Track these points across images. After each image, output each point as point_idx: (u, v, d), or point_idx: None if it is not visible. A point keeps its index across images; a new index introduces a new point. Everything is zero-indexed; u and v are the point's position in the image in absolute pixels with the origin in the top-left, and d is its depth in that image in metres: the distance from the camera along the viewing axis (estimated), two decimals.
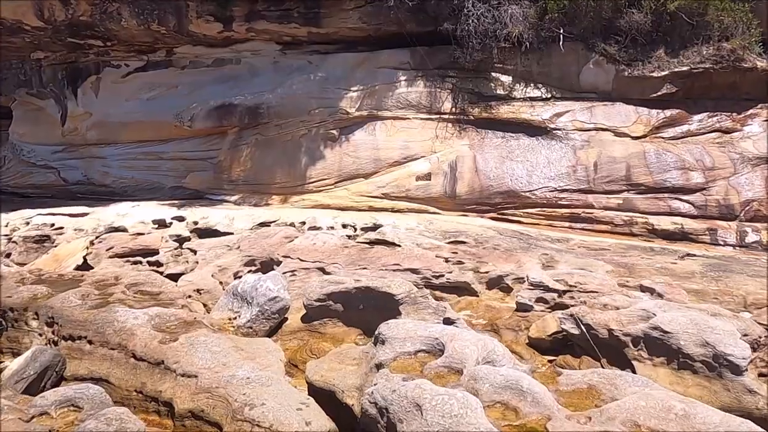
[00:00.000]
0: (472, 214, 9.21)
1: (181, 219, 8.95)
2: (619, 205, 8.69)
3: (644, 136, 9.08)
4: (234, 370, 3.45)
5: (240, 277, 6.88)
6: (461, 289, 5.75)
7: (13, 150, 13.91)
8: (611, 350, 4.03)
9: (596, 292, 5.01)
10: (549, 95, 9.83)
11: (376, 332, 3.58)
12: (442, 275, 5.78)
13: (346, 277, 5.51)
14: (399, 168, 9.82)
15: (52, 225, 8.69)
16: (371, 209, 9.50)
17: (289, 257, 6.56)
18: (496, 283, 5.92)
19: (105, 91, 12.09)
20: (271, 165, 10.31)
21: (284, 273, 6.22)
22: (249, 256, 7.08)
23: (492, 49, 9.84)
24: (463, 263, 6.27)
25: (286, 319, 5.14)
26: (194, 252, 7.35)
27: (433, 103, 10.15)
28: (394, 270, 5.93)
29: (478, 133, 9.78)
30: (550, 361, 4.48)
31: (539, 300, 5.12)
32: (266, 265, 6.94)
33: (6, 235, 8.83)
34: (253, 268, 7.02)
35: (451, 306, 5.51)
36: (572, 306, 4.93)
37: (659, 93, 9.25)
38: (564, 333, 4.41)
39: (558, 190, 8.94)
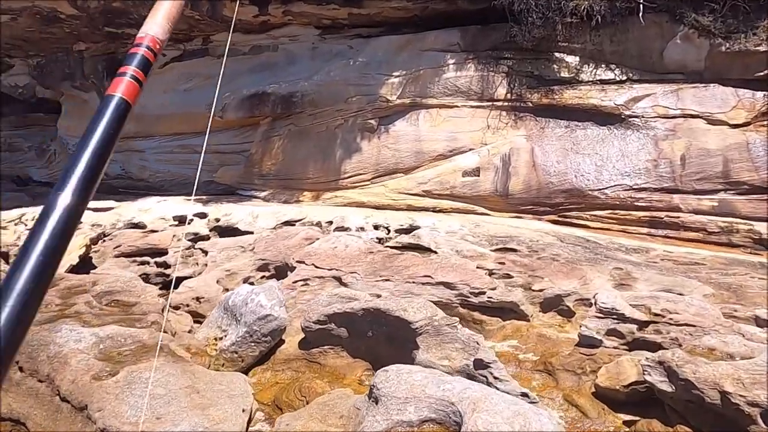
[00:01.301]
0: (528, 215, 7.87)
1: (203, 216, 8.24)
2: (714, 208, 7.06)
3: (747, 124, 7.37)
4: (169, 426, 2.48)
5: (251, 283, 6.04)
6: (507, 310, 4.53)
7: (61, 144, 13.98)
8: (725, 423, 2.71)
9: (694, 326, 3.64)
10: (624, 77, 8.30)
11: (372, 383, 2.49)
12: (483, 292, 4.58)
13: (361, 292, 4.45)
14: (443, 162, 8.63)
15: None
16: (410, 208, 8.38)
17: (303, 263, 5.58)
18: (553, 304, 4.65)
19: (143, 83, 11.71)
20: (303, 158, 9.43)
21: (295, 282, 5.25)
22: (263, 259, 6.18)
23: (555, 25, 8.46)
24: (511, 277, 5.03)
25: (283, 341, 4.15)
26: (205, 253, 6.56)
27: (485, 89, 8.88)
28: (423, 283, 4.80)
29: (537, 122, 8.42)
30: (626, 423, 3.21)
31: (611, 333, 3.82)
32: (281, 271, 6.01)
33: (29, 229, 8.49)
34: (267, 274, 6.12)
35: (493, 333, 4.33)
36: (659, 343, 3.62)
37: (766, 71, 7.51)
38: (648, 386, 3.12)
39: (634, 188, 7.43)
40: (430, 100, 9.10)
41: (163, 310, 4.22)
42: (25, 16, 10.09)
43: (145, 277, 6.40)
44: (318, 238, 6.41)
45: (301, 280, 5.28)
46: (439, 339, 3.34)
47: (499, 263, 5.32)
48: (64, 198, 0.62)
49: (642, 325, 3.80)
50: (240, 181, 10.14)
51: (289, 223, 7.66)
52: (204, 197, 9.67)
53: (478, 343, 3.17)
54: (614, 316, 3.85)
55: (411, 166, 8.77)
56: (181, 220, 8.09)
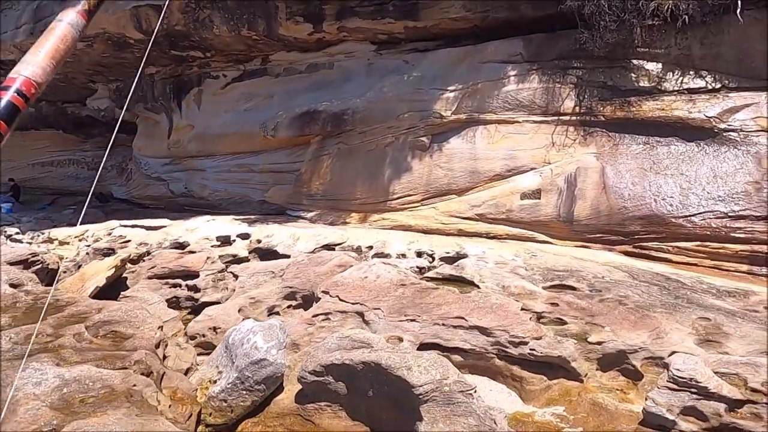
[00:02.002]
0: (595, 245, 6.83)
1: (245, 237, 8.02)
2: None
3: None
4: None
5: (276, 312, 5.61)
6: (555, 367, 3.69)
7: (136, 163, 14.70)
8: None
9: None
10: (718, 85, 7.07)
11: None
12: (526, 342, 3.77)
13: (377, 335, 3.82)
14: (500, 183, 7.82)
15: (122, 237, 8.34)
16: (460, 233, 7.63)
17: (328, 294, 5.06)
18: (615, 362, 3.74)
19: (206, 104, 12.00)
20: (351, 178, 9.00)
21: (315, 316, 4.73)
22: (290, 287, 5.74)
23: (633, 29, 7.45)
24: (563, 323, 4.16)
25: (283, 388, 3.61)
26: (236, 277, 6.24)
27: (549, 102, 7.99)
28: (454, 326, 4.08)
29: (610, 138, 7.39)
30: None
31: (688, 412, 2.89)
32: (308, 300, 5.53)
33: (88, 245, 8.74)
34: (293, 303, 5.67)
35: (535, 395, 3.52)
36: None
37: None
38: None
39: (730, 216, 6.19)
40: (488, 115, 8.35)
41: (158, 346, 3.85)
42: (99, 42, 10.66)
43: (175, 301, 6.21)
44: (351, 266, 5.87)
45: (322, 314, 4.75)
46: (449, 410, 2.63)
47: (551, 304, 4.46)
48: None
49: (733, 404, 2.84)
50: (289, 201, 9.91)
51: (328, 247, 7.20)
52: (252, 217, 9.53)
53: (495, 423, 2.42)
54: (694, 389, 2.92)
55: (464, 187, 8.04)
56: (224, 241, 7.92)
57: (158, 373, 3.45)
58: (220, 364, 3.78)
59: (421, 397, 2.66)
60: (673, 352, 3.56)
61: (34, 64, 0.71)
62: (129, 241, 8.07)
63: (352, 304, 4.76)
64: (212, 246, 7.66)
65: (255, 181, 11.26)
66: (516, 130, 8.12)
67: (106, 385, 3.02)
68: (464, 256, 6.27)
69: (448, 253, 6.51)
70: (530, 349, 3.72)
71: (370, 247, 6.89)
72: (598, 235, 6.86)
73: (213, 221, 9.25)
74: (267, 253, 7.39)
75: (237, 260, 7.19)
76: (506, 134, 8.16)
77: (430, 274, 5.78)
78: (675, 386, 2.95)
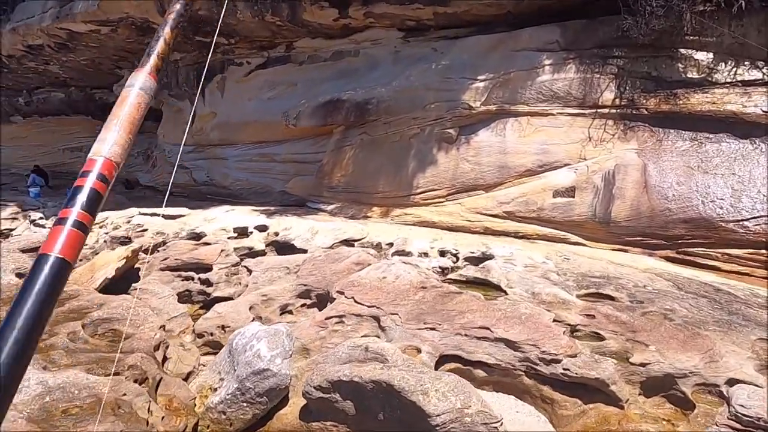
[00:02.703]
0: (634, 249, 6.32)
1: (263, 228, 7.77)
2: None
3: None
4: None
5: (290, 311, 5.33)
6: (591, 389, 3.28)
7: (160, 150, 14.66)
8: None
9: None
10: None
11: None
12: (559, 360, 3.37)
13: (392, 345, 3.47)
14: (531, 179, 7.34)
15: (140, 226, 8.20)
16: (486, 232, 7.20)
17: (343, 294, 4.73)
18: (661, 387, 3.30)
19: (229, 91, 11.79)
20: (374, 170, 8.65)
21: (328, 318, 4.41)
22: (305, 285, 5.43)
23: (682, 15, 6.86)
24: (601, 338, 3.74)
25: (287, 400, 3.30)
26: (249, 272, 5.97)
27: (587, 94, 7.46)
28: (478, 338, 3.70)
29: (653, 133, 6.83)
30: None
31: None
32: (323, 300, 5.23)
33: (106, 233, 8.64)
34: (308, 302, 5.37)
35: (569, 420, 3.13)
36: None
37: None
38: None
39: None
40: (520, 107, 7.86)
41: (158, 347, 3.59)
42: (122, 27, 10.52)
43: (187, 294, 5.99)
44: (370, 264, 5.53)
45: (335, 317, 4.43)
46: None
47: (587, 316, 4.03)
48: None
49: None
50: (310, 192, 9.62)
51: (347, 242, 6.88)
52: (271, 208, 9.28)
53: None
54: (761, 431, 2.48)
55: (492, 182, 7.59)
56: (240, 232, 7.69)
57: (154, 380, 3.18)
58: (222, 370, 3.49)
59: (437, 428, 2.31)
60: (731, 380, 3.11)
61: (112, 143, 0.72)
62: (146, 230, 7.91)
63: (368, 307, 4.43)
64: (228, 237, 7.43)
65: (276, 171, 11.01)
66: (550, 123, 7.61)
67: (91, 394, 2.76)
68: (490, 257, 5.86)
69: (473, 253, 6.10)
70: (563, 369, 3.32)
71: (391, 244, 6.53)
72: (637, 239, 6.34)
73: (232, 211, 9.04)
74: (284, 247, 7.12)
75: (253, 253, 6.94)
76: (539, 127, 7.67)
77: (453, 275, 5.39)
78: (739, 426, 2.51)
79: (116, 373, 3.04)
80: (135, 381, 3.03)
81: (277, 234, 7.48)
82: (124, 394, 2.82)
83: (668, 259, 6.04)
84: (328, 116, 9.38)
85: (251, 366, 3.15)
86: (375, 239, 6.80)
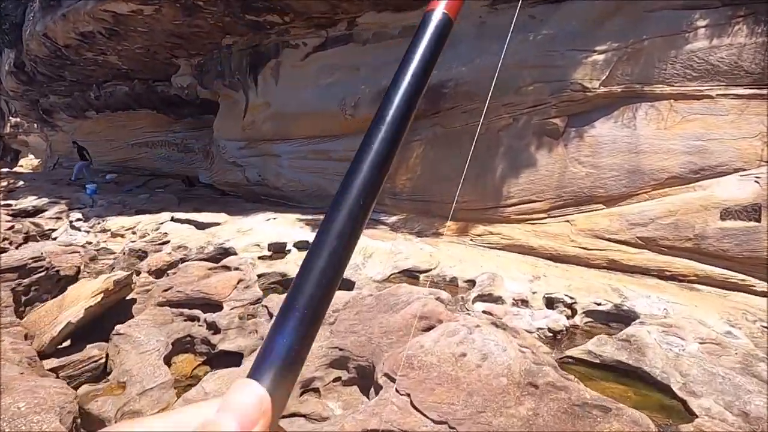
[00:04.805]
0: None
1: (305, 247, 6.09)
2: None
3: None
4: None
5: (315, 389, 3.54)
6: None
7: (216, 146, 13.56)
8: None
9: None
10: None
11: None
12: None
13: None
14: (680, 190, 5.05)
15: (164, 236, 6.82)
16: (612, 267, 5.00)
17: (394, 381, 2.86)
18: None
19: (284, 78, 10.28)
20: (449, 173, 6.67)
21: None
22: (341, 348, 3.62)
23: None
24: None
25: None
26: (271, 316, 4.26)
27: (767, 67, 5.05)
28: None
29: None
30: None
31: None
32: (364, 376, 3.39)
33: (132, 241, 7.38)
34: (343, 377, 3.54)
35: None
36: None
37: None
38: None
39: None
40: (657, 87, 5.57)
41: None
42: (167, 6, 9.29)
43: (189, 342, 4.39)
44: (440, 320, 3.62)
45: None
46: None
47: None
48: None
49: None
50: None
51: (410, 273, 5.00)
52: (320, 218, 7.60)
53: None
54: None
55: (618, 193, 5.37)
56: (276, 250, 6.06)
57: None
58: None
59: None
60: None
61: None
62: (167, 242, 6.50)
63: (434, 422, 2.51)
64: (260, 257, 5.82)
65: (333, 171, 9.35)
66: (706, 108, 5.26)
67: None
68: (630, 314, 3.73)
69: (598, 304, 3.99)
70: None
71: (472, 283, 4.56)
72: None
73: (274, 220, 7.46)
74: None
75: (286, 281, 5.26)
76: (688, 115, 5.34)
77: (575, 351, 3.33)
78: None
79: None
80: None
81: None
82: None
83: None
84: None
85: None
86: (449, 271, 4.86)
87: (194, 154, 17.00)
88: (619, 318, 3.80)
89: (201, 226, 7.45)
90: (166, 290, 4.74)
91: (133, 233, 8.20)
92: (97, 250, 8.24)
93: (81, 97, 18.40)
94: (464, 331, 3.29)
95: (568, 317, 3.95)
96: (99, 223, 9.33)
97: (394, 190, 7.25)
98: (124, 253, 6.71)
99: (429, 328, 3.66)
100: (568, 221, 5.56)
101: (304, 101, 9.77)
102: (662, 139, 5.36)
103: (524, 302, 4.12)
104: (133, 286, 4.83)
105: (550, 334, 3.63)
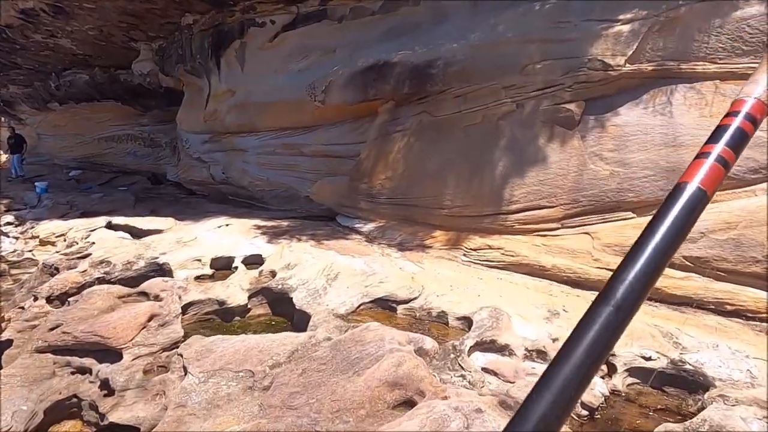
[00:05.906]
0: None
1: (257, 262, 4.87)
2: None
3: None
4: None
5: None
6: None
7: (180, 140, 12.22)
8: None
9: None
10: None
11: None
12: None
13: None
14: (738, 194, 3.89)
15: (85, 247, 5.56)
16: (651, 297, 3.83)
17: None
18: None
19: (250, 62, 8.99)
20: (438, 171, 5.46)
21: None
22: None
23: None
24: None
25: None
26: (185, 372, 3.00)
27: None
28: None
29: None
30: None
31: None
32: None
33: (51, 254, 6.08)
34: None
35: None
36: None
37: None
38: None
39: None
40: (698, 64, 4.41)
41: None
42: None
43: (75, 406, 3.14)
44: (420, 393, 2.41)
45: None
46: None
47: None
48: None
49: None
50: (341, 201, 6.58)
51: (385, 303, 3.79)
52: (284, 223, 6.34)
53: None
54: None
55: (654, 198, 4.20)
56: (220, 267, 4.83)
57: None
58: None
59: None
60: None
61: (765, 85, 0.61)
62: (87, 255, 5.22)
63: None
64: (196, 278, 4.57)
65: (304, 167, 8.11)
66: None
67: None
68: (698, 377, 2.55)
69: (647, 359, 2.81)
70: None
71: (467, 321, 3.34)
72: None
73: (226, 227, 6.21)
74: (278, 300, 4.15)
75: (224, 312, 4.02)
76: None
77: None
78: None
79: None
80: None
81: (273, 274, 4.51)
82: None
83: None
84: (370, 87, 6.29)
85: None
86: (436, 302, 3.64)
87: (162, 149, 15.63)
88: (679, 381, 2.62)
89: (139, 234, 6.18)
90: (52, 329, 3.48)
91: (65, 241, 6.91)
92: (17, 261, 6.96)
93: (42, 87, 16.97)
94: (458, 421, 2.08)
95: (603, 377, 2.76)
96: (33, 228, 8.02)
97: (371, 191, 6.01)
98: (39, 269, 5.43)
99: (405, 402, 2.46)
100: (588, 233, 4.37)
101: (272, 88, 8.50)
102: (707, 129, 4.19)
103: (541, 354, 2.92)
104: (7, 322, 3.56)
105: (585, 412, 2.43)
